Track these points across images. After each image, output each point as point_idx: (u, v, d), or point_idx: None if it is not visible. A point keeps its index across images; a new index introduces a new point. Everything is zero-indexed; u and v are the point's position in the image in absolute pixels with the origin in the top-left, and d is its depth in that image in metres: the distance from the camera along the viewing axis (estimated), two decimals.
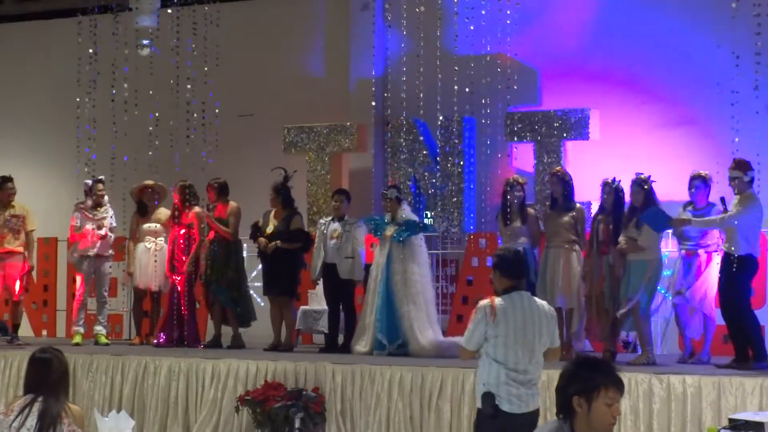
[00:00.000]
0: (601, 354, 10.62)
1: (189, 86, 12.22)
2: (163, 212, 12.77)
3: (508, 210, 11.02)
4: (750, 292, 10.02)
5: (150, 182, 12.73)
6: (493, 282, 7.02)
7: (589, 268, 10.55)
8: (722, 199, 10.10)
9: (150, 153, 12.31)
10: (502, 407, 6.77)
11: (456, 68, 11.90)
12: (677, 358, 10.54)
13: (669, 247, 11.34)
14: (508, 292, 6.84)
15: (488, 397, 6.79)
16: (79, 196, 12.93)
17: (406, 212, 11.58)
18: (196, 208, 12.40)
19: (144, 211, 12.81)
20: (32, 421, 6.10)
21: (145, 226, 12.76)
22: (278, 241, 11.92)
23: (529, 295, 6.93)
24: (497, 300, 6.81)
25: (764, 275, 11.35)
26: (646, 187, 10.26)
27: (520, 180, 11.22)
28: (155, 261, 12.55)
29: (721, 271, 9.87)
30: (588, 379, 4.77)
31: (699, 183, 10.28)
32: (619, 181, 10.55)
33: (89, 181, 12.74)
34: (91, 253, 12.66)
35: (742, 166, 9.79)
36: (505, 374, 6.78)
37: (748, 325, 9.76)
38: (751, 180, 9.80)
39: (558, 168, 11.55)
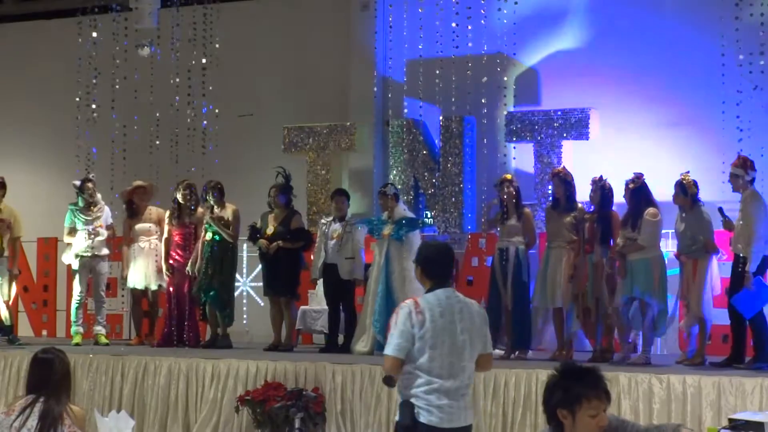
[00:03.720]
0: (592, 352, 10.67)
1: (189, 86, 12.21)
2: (155, 211, 12.76)
3: (505, 208, 11.03)
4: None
5: (140, 182, 12.69)
6: (417, 278, 6.30)
7: (577, 267, 10.56)
8: (720, 209, 10.10)
9: (150, 153, 12.30)
10: (420, 419, 5.94)
11: (456, 68, 11.90)
12: (677, 358, 10.56)
13: (669, 246, 11.35)
14: (433, 290, 6.08)
15: (407, 407, 5.99)
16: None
17: (402, 210, 11.59)
18: (200, 209, 12.40)
19: (135, 213, 12.78)
20: (33, 421, 6.10)
21: (138, 226, 12.75)
22: (280, 241, 11.93)
23: (457, 293, 6.13)
24: (421, 299, 6.07)
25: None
26: (631, 186, 10.25)
27: (508, 177, 11.19)
28: (154, 260, 12.57)
29: (732, 271, 9.87)
30: (569, 391, 4.69)
31: (677, 187, 10.26)
32: (606, 179, 10.54)
33: (77, 182, 12.73)
34: (88, 253, 12.66)
35: (746, 164, 9.78)
36: (426, 382, 5.95)
37: (758, 325, 9.74)
38: (752, 180, 9.80)
39: (560, 168, 11.54)
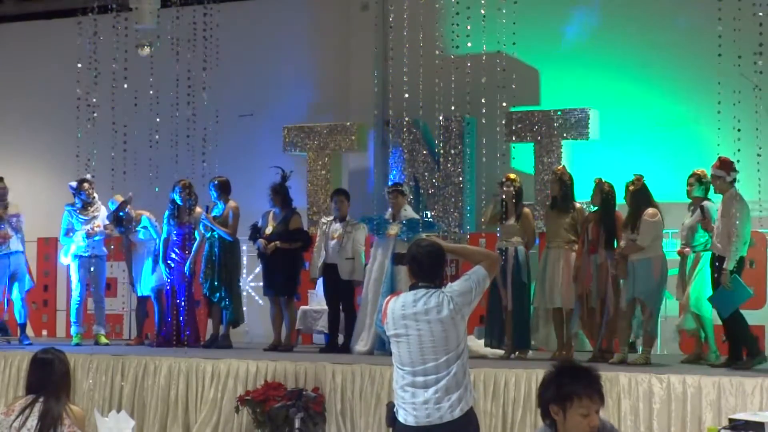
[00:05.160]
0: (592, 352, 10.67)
1: (188, 86, 12.21)
2: (137, 213, 12.77)
3: (504, 207, 11.02)
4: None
5: (120, 197, 12.65)
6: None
7: (580, 268, 10.57)
8: (702, 207, 10.14)
9: (150, 157, 12.30)
10: (398, 416, 6.02)
11: (456, 68, 11.89)
12: (680, 359, 10.56)
13: (670, 246, 11.35)
14: (413, 288, 6.07)
15: (389, 406, 6.17)
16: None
17: (408, 211, 11.61)
18: (198, 208, 12.41)
19: (127, 228, 12.75)
20: (33, 421, 6.11)
21: (131, 238, 12.76)
22: (278, 242, 11.93)
23: (432, 292, 5.97)
24: (394, 297, 6.13)
25: (764, 275, 11.36)
26: (631, 188, 10.25)
27: (511, 176, 11.19)
28: (153, 265, 12.63)
29: (712, 271, 9.89)
30: (562, 388, 4.68)
31: (692, 181, 10.30)
32: (605, 182, 10.53)
33: (74, 183, 12.74)
34: (85, 253, 12.67)
35: (726, 166, 9.79)
36: (401, 378, 6.01)
37: (739, 325, 9.77)
38: (733, 181, 9.79)
39: (559, 168, 11.54)
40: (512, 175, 11.19)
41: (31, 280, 13.13)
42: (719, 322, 10.34)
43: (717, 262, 9.78)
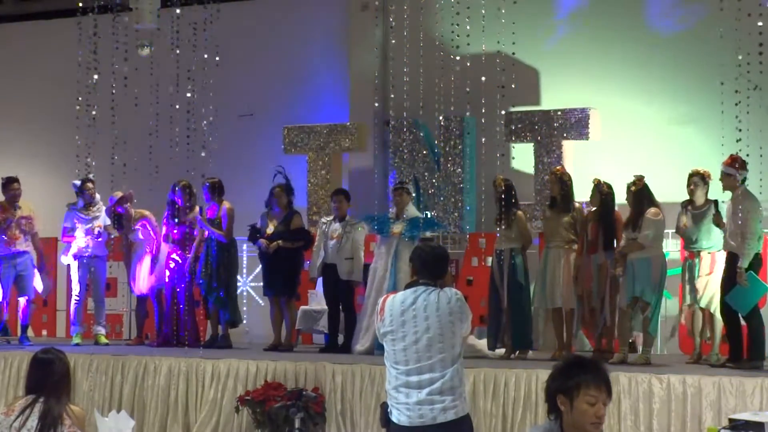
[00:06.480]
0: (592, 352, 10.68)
1: (189, 86, 12.21)
2: (139, 213, 12.75)
3: (502, 210, 11.00)
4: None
5: (120, 192, 12.64)
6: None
7: (580, 268, 10.57)
8: (715, 203, 10.13)
9: (150, 154, 12.29)
10: (392, 417, 6.04)
11: (456, 68, 11.90)
12: (683, 360, 10.55)
13: (670, 246, 11.34)
14: (411, 286, 6.16)
15: (382, 407, 6.17)
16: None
17: (411, 209, 11.60)
18: (196, 208, 12.41)
19: (126, 227, 12.74)
20: (33, 421, 6.10)
21: (130, 238, 12.77)
22: (280, 241, 11.93)
23: (432, 290, 6.06)
24: (391, 296, 6.19)
25: (764, 275, 11.35)
26: (633, 188, 10.25)
27: (498, 179, 11.14)
28: (151, 265, 12.63)
29: (726, 270, 9.86)
30: (569, 377, 4.69)
31: (697, 180, 10.29)
32: (603, 182, 10.52)
33: (77, 182, 12.75)
34: (86, 253, 12.67)
35: (738, 164, 9.78)
36: (395, 378, 6.04)
37: (754, 324, 9.75)
38: (744, 179, 9.78)
39: (558, 168, 11.53)
40: (498, 177, 11.16)
41: (34, 289, 13.02)
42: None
43: (731, 261, 9.75)
